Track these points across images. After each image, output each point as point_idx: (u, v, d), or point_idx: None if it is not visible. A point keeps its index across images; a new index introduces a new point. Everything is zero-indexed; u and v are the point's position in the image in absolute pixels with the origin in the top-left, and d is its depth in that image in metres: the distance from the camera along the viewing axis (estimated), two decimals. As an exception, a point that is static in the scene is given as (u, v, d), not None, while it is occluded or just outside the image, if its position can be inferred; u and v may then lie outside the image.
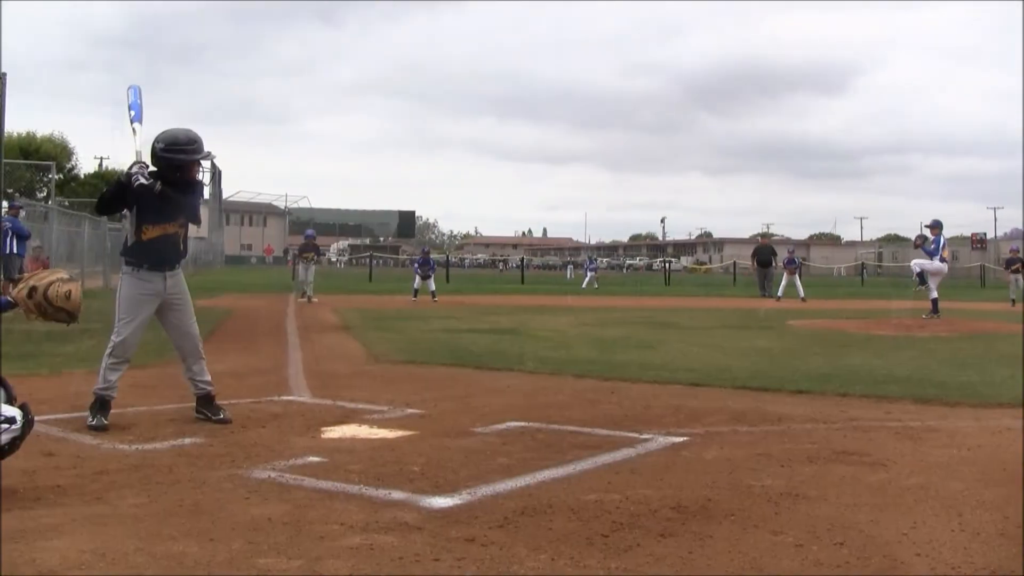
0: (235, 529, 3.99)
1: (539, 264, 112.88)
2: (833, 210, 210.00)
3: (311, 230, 27.69)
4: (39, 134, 59.23)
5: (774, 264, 31.81)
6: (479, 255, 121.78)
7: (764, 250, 32.83)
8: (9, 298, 5.38)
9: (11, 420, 4.35)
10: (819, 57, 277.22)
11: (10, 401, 4.52)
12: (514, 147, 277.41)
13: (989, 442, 6.15)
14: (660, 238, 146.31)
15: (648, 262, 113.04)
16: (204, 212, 8.04)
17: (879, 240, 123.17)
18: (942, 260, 18.81)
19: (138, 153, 6.39)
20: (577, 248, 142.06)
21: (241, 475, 4.99)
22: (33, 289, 5.37)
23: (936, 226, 19.37)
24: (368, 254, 66.87)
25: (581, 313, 20.26)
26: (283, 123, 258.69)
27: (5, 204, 19.62)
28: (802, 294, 27.92)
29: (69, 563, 3.52)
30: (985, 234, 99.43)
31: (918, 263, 19.04)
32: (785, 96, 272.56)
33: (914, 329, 16.03)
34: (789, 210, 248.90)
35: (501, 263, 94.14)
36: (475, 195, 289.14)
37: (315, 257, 25.70)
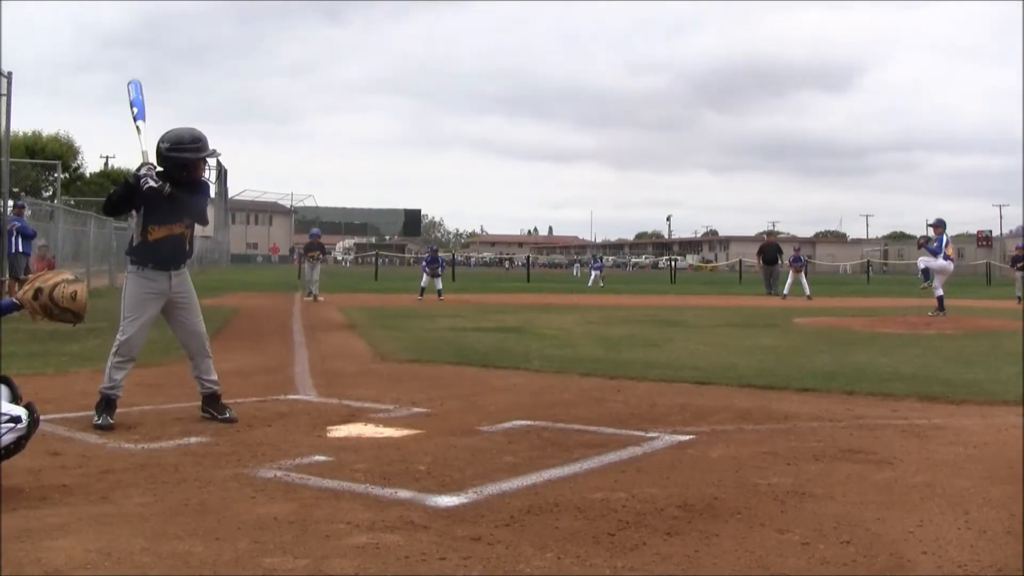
0: (241, 528, 3.99)
1: (545, 262, 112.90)
2: (839, 208, 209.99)
3: (316, 229, 27.69)
4: (45, 133, 59.45)
5: (780, 262, 31.79)
6: (485, 254, 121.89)
7: (770, 248, 32.81)
8: (15, 300, 5.39)
9: (17, 419, 4.36)
10: (824, 55, 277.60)
11: (15, 400, 4.53)
12: (520, 146, 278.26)
13: (995, 440, 6.14)
14: (666, 236, 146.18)
15: (654, 260, 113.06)
16: (210, 211, 8.03)
17: (885, 238, 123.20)
18: (946, 258, 18.78)
19: (144, 154, 6.37)
20: (583, 246, 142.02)
21: (247, 474, 4.99)
22: (39, 291, 5.37)
23: (939, 225, 19.36)
24: (374, 253, 66.93)
25: (587, 311, 20.25)
26: (289, 122, 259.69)
27: (10, 203, 19.61)
28: (808, 292, 27.91)
29: (74, 562, 3.52)
30: (991, 231, 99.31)
31: (924, 260, 19.01)
32: (790, 94, 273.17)
33: (920, 327, 16.00)
34: (795, 208, 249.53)
35: (507, 261, 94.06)
36: (481, 193, 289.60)
37: (320, 256, 25.71)
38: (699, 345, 12.39)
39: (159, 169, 6.32)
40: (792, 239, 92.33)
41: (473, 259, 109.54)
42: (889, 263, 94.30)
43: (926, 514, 4.34)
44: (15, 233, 17.94)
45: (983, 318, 18.71)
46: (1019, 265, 27.98)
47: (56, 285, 5.40)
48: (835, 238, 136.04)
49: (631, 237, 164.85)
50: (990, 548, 3.86)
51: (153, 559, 3.59)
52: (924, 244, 19.69)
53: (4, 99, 15.12)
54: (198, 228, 6.83)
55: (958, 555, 3.76)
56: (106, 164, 72.07)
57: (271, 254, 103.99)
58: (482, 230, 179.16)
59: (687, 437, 6.08)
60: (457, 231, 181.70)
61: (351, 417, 6.83)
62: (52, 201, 31.30)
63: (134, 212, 6.61)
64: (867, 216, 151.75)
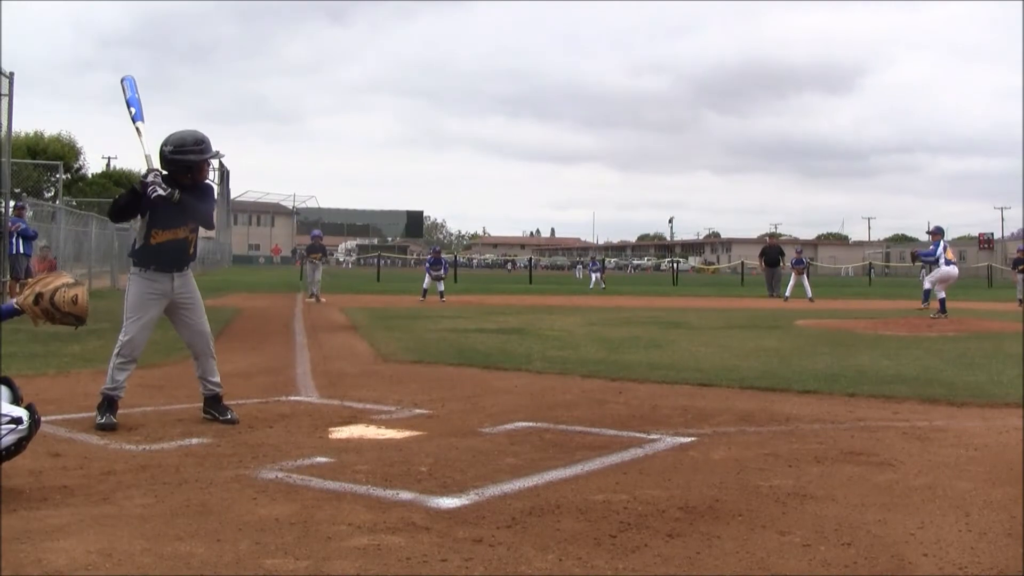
0: (242, 530, 3.99)
1: (547, 264, 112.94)
2: (841, 210, 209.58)
3: (318, 231, 27.71)
4: (47, 134, 59.38)
5: (782, 264, 31.80)
6: (487, 255, 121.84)
7: (772, 250, 32.86)
8: (15, 305, 5.39)
9: (18, 420, 4.37)
10: (827, 56, 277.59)
11: (17, 401, 4.53)
12: (522, 147, 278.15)
13: (996, 442, 6.14)
14: (668, 238, 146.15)
15: (656, 262, 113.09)
16: (214, 214, 7.99)
17: (887, 240, 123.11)
18: (948, 263, 18.77)
19: (148, 159, 6.36)
20: (585, 248, 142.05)
21: (248, 475, 4.99)
22: (39, 296, 5.36)
23: (937, 232, 19.48)
24: (376, 254, 66.94)
25: (589, 313, 20.25)
26: (291, 123, 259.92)
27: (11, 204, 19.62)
28: (810, 294, 27.91)
29: (76, 564, 3.52)
30: (992, 234, 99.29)
31: (929, 280, 18.90)
32: (793, 95, 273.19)
33: (922, 329, 15.99)
34: (797, 210, 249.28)
35: (509, 263, 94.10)
36: (483, 195, 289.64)
37: (323, 258, 25.74)
38: (701, 347, 12.39)
39: (164, 173, 6.31)
40: (794, 241, 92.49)
41: (475, 261, 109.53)
42: (891, 265, 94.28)
43: (927, 516, 4.34)
44: (15, 234, 17.96)
45: (984, 320, 18.69)
46: (1020, 267, 27.99)
47: (56, 289, 5.40)
48: (837, 240, 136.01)
49: (633, 239, 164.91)
50: (991, 550, 3.86)
51: (154, 560, 3.59)
52: (918, 254, 19.89)
53: (6, 99, 15.16)
54: (201, 229, 6.82)
55: (959, 557, 3.76)
56: (108, 165, 72.13)
57: (273, 255, 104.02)
58: (484, 232, 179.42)
59: (689, 439, 6.08)
60: (459, 232, 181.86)
61: (353, 418, 6.83)
62: (54, 202, 31.31)
63: (139, 216, 6.59)
64: (869, 218, 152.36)
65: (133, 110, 6.60)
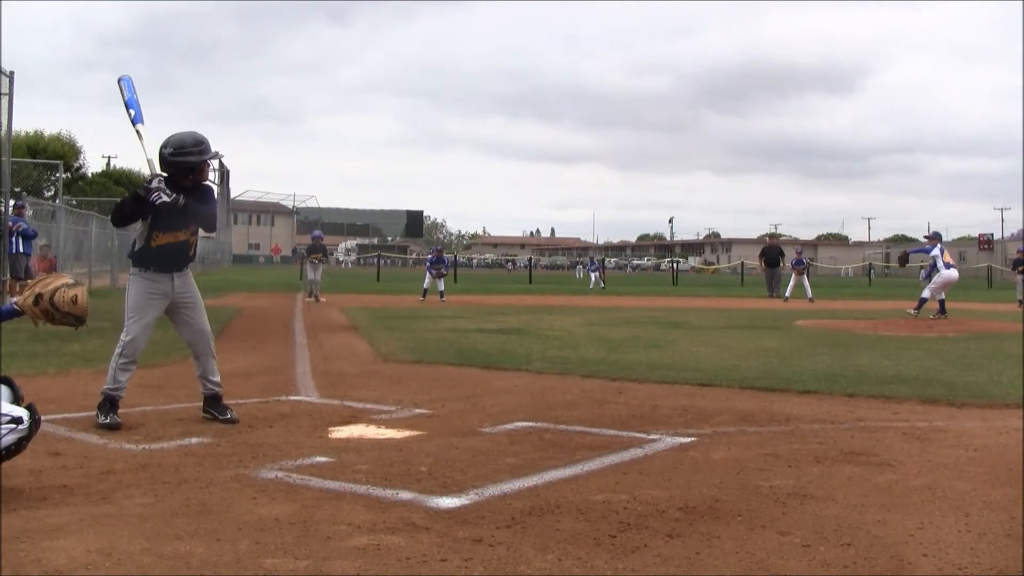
0: (242, 529, 3.99)
1: (547, 264, 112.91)
2: (841, 210, 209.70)
3: (318, 231, 27.71)
4: (47, 133, 59.45)
5: (782, 264, 31.81)
6: (487, 255, 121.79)
7: (772, 251, 32.87)
8: (15, 305, 5.39)
9: (18, 420, 4.37)
10: (827, 57, 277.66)
11: (17, 401, 4.53)
12: (522, 147, 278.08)
13: (996, 443, 6.14)
14: (668, 238, 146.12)
15: (656, 262, 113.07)
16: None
17: (887, 240, 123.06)
18: (948, 266, 18.76)
19: (149, 163, 6.35)
20: (585, 248, 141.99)
21: (248, 475, 5.00)
22: (39, 296, 5.37)
23: (935, 237, 19.56)
24: (376, 254, 66.93)
25: (588, 313, 20.25)
26: (291, 122, 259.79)
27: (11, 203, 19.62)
28: (810, 295, 27.92)
29: (75, 563, 3.52)
30: (992, 235, 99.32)
31: (930, 288, 18.88)
32: (793, 96, 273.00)
33: (922, 330, 15.99)
34: (797, 210, 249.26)
35: (509, 263, 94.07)
36: (483, 195, 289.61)
37: (323, 258, 25.76)
38: (701, 347, 12.39)
39: (165, 176, 6.31)
40: (794, 241, 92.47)
41: (475, 261, 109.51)
42: (891, 266, 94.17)
43: (927, 516, 4.34)
44: (16, 234, 17.94)
45: (984, 321, 18.69)
46: (1020, 268, 28.00)
47: (56, 290, 5.40)
48: (837, 241, 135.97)
49: (633, 239, 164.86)
50: (990, 551, 3.86)
51: (154, 560, 3.59)
52: (911, 252, 20.04)
53: (6, 99, 15.15)
54: (200, 230, 6.82)
55: (958, 557, 3.76)
56: (108, 164, 72.19)
57: (273, 255, 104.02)
58: (484, 231, 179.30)
59: (688, 439, 6.08)
60: (459, 232, 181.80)
61: (352, 418, 6.83)
62: (54, 201, 31.31)
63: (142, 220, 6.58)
64: (869, 219, 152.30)
65: (132, 112, 6.59)
